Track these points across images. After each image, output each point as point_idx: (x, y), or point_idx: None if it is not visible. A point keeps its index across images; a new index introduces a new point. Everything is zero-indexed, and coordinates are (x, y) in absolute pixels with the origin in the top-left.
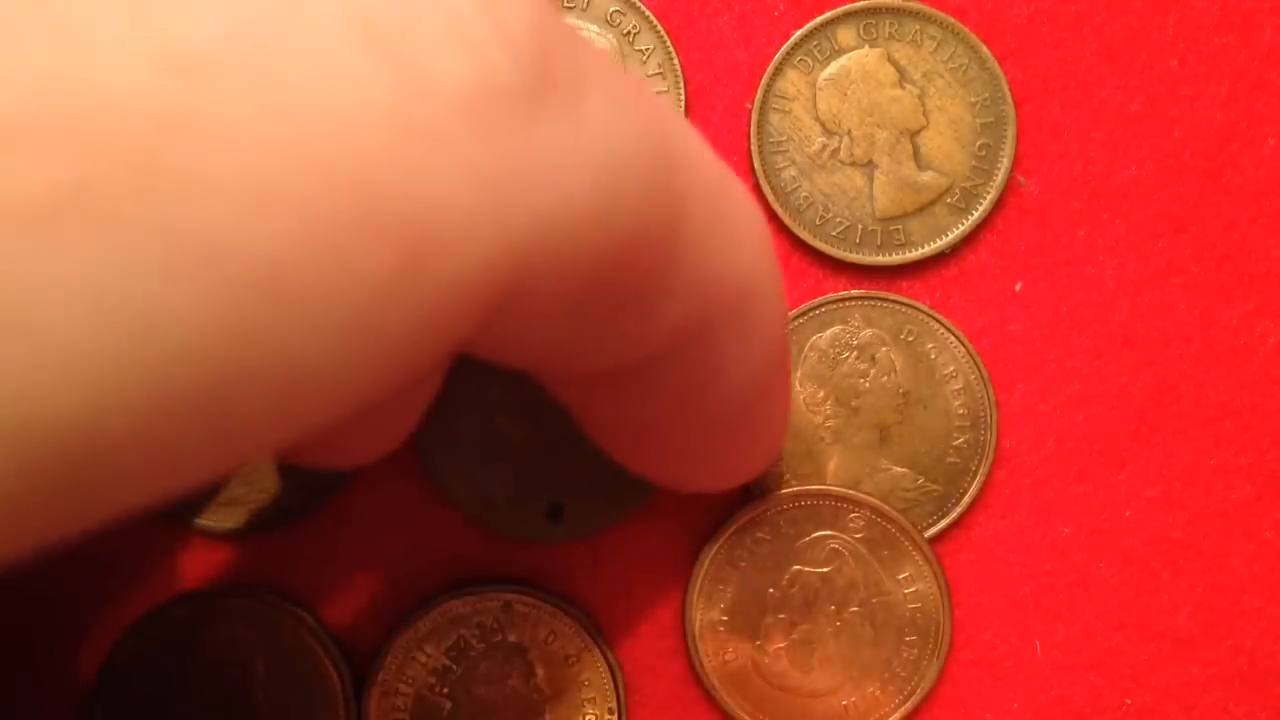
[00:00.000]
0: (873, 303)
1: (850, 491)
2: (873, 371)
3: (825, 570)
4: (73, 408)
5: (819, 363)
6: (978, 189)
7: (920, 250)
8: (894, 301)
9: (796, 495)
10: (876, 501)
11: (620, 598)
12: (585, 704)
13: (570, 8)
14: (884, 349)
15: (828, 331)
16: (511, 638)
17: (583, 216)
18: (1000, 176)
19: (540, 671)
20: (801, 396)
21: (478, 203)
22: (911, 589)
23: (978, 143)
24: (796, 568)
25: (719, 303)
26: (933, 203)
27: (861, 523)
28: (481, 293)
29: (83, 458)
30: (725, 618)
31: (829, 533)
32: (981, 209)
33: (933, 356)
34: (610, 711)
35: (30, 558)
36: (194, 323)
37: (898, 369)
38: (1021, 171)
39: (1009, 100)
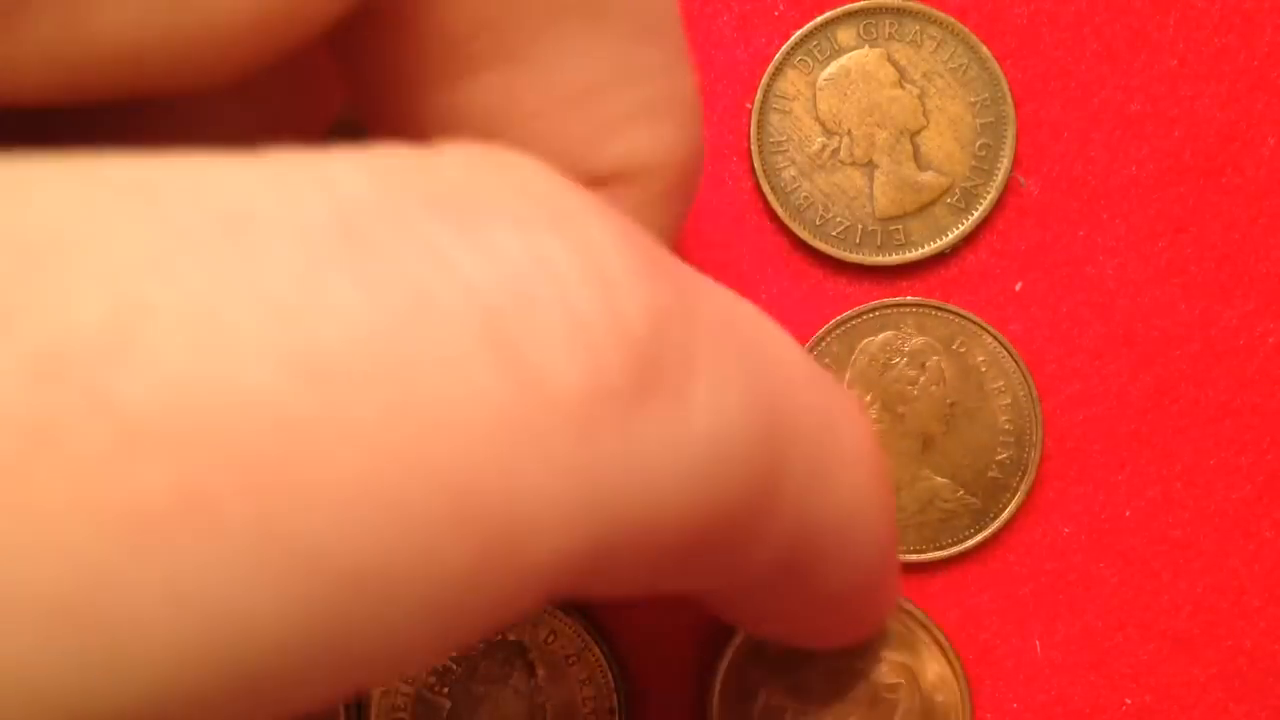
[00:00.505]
0: (927, 311)
1: None
2: (922, 379)
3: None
4: (134, 697)
5: (868, 366)
6: (978, 189)
7: (920, 250)
8: (948, 311)
9: None
10: (901, 599)
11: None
12: (585, 704)
13: None
14: (935, 358)
15: (880, 336)
16: (511, 638)
17: (677, 507)
18: (1000, 176)
19: (540, 671)
20: None
21: (567, 498)
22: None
23: (978, 143)
24: None
25: (820, 534)
26: (933, 203)
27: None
28: (559, 576)
29: None
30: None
31: None
32: (981, 209)
33: (983, 369)
34: (610, 711)
35: None
36: (274, 620)
37: (947, 379)
38: (1021, 171)
39: (1009, 100)
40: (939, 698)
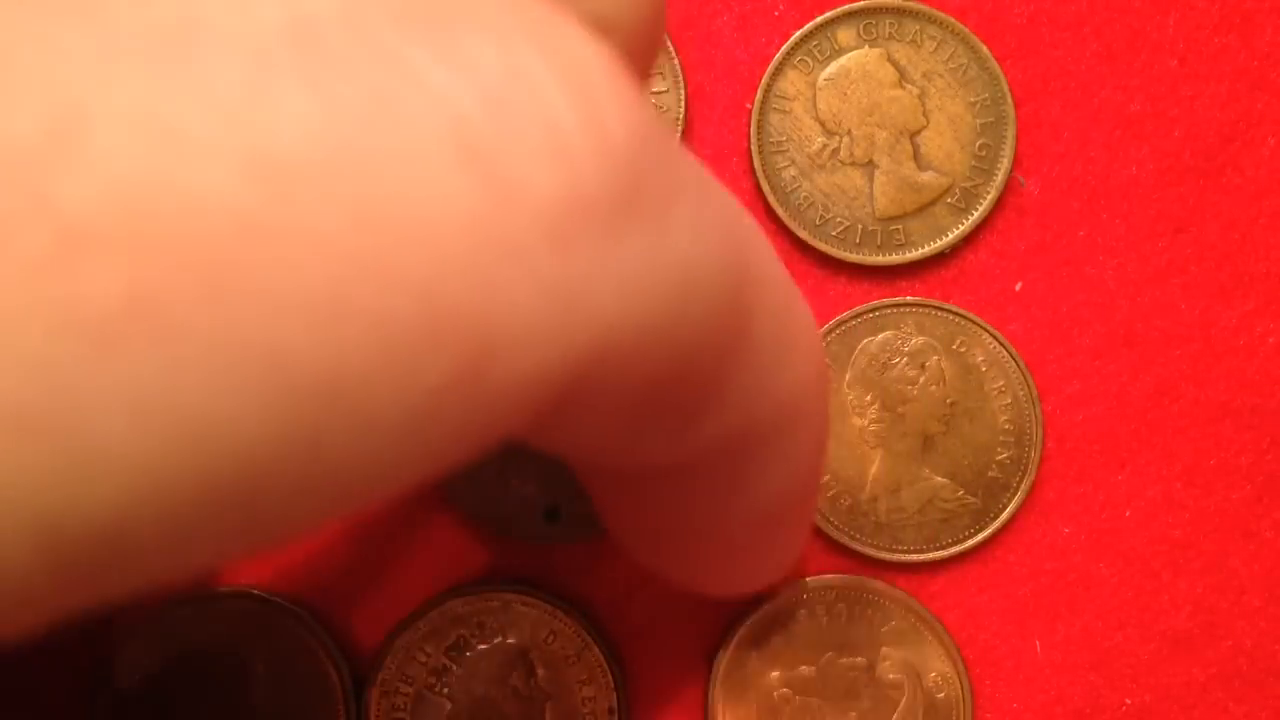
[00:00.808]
0: (926, 310)
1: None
2: (921, 379)
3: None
4: (110, 508)
5: (868, 366)
6: (978, 189)
7: (920, 250)
8: (948, 311)
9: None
10: (904, 595)
11: (620, 598)
12: (585, 704)
13: None
14: (935, 357)
15: (879, 336)
16: (511, 638)
17: (652, 329)
18: (1000, 176)
19: (540, 671)
20: (849, 398)
21: (543, 314)
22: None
23: (978, 143)
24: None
25: (764, 417)
26: (933, 203)
27: (894, 619)
28: (535, 397)
29: (107, 551)
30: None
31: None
32: (981, 209)
33: (983, 369)
34: (610, 711)
35: (46, 627)
36: (244, 431)
37: (947, 379)
38: (1021, 171)
39: (1009, 100)
40: (941, 695)
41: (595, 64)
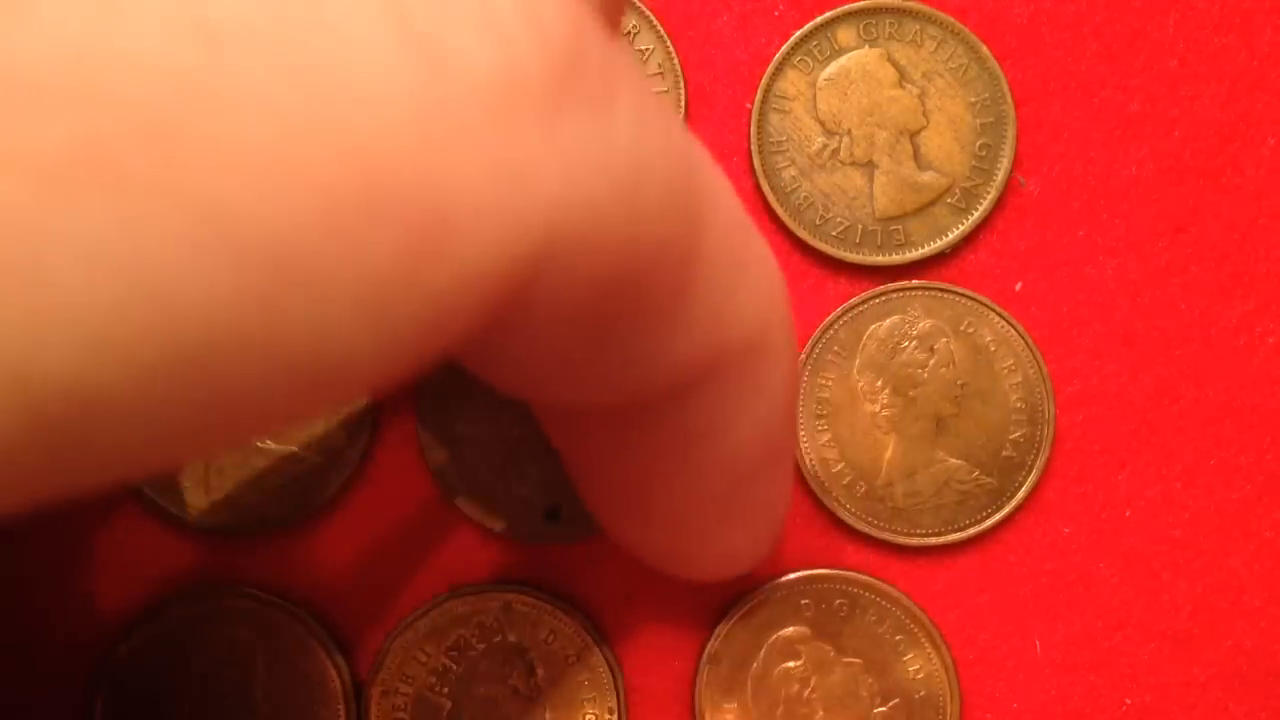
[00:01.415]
0: (933, 293)
1: (860, 576)
2: (931, 362)
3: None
4: (73, 362)
5: (877, 351)
6: (978, 189)
7: (920, 250)
8: (954, 293)
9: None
10: (889, 588)
11: (620, 597)
12: (585, 704)
13: None
14: (944, 340)
15: (887, 320)
16: (511, 638)
17: (602, 219)
18: (1000, 176)
19: (540, 671)
20: (859, 384)
21: (493, 192)
22: (918, 671)
23: (978, 143)
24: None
25: (728, 347)
26: (933, 203)
27: (876, 615)
28: (492, 284)
29: (79, 412)
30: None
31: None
32: (981, 209)
33: (992, 349)
34: (610, 711)
35: (18, 516)
36: (200, 289)
37: (956, 360)
38: (1021, 171)
39: (1009, 100)
40: (923, 694)
41: None
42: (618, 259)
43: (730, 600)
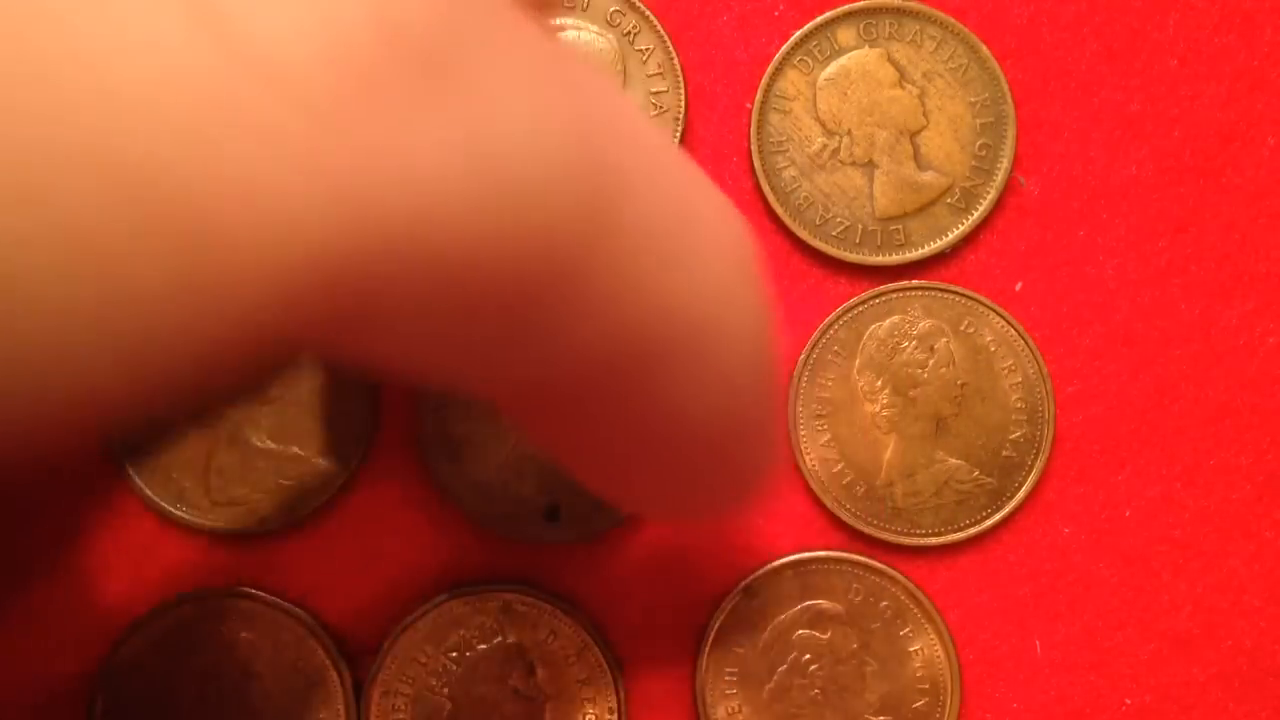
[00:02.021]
0: (933, 293)
1: (858, 558)
2: (931, 362)
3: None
4: None
5: (877, 351)
6: (978, 189)
7: (920, 250)
8: (954, 293)
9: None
10: (895, 572)
11: (620, 598)
12: (585, 704)
13: (570, 8)
14: (943, 340)
15: (887, 321)
16: (511, 638)
17: (453, 222)
18: (1000, 176)
19: (540, 671)
20: (859, 384)
21: (297, 199)
22: (920, 662)
23: (978, 143)
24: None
25: (663, 335)
26: (933, 203)
27: (863, 592)
28: (304, 299)
29: None
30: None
31: (822, 602)
32: (981, 209)
33: (992, 349)
34: (610, 711)
35: None
36: None
37: (956, 360)
38: (1021, 171)
39: (1009, 100)
40: (925, 676)
41: None
42: (481, 260)
43: (731, 587)
